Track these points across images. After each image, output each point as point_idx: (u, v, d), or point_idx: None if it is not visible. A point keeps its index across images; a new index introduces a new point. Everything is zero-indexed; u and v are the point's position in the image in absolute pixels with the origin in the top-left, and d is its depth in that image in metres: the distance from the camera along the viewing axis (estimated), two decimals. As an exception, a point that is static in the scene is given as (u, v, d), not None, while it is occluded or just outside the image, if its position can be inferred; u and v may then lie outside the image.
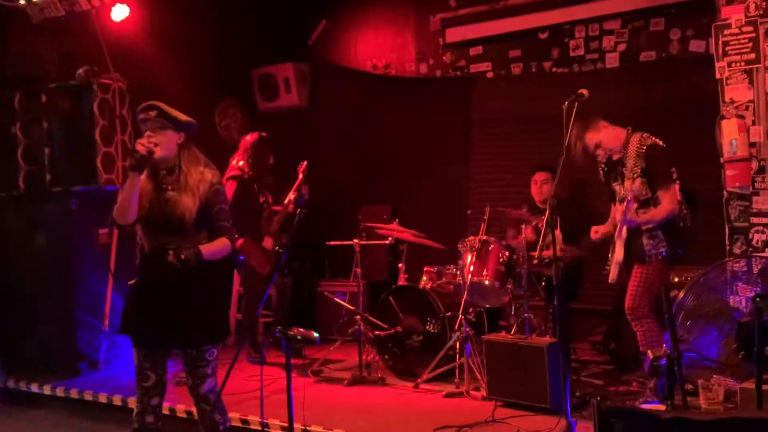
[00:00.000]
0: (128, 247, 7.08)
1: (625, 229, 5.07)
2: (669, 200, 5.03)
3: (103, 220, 6.95)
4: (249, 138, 6.89)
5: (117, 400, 6.04)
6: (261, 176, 6.86)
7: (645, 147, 5.09)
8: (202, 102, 7.71)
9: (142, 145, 3.85)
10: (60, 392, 6.41)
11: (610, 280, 5.21)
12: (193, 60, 7.82)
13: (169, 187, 3.99)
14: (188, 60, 7.76)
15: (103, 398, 6.13)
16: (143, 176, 3.95)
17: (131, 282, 4.14)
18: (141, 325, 4.04)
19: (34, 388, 6.56)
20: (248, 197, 6.74)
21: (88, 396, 6.23)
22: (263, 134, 6.91)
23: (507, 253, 5.97)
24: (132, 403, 5.90)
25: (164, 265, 3.92)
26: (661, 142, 5.15)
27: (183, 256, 3.89)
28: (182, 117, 4.04)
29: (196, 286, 4.01)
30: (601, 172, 5.45)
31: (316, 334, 3.88)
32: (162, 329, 3.99)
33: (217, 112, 8.81)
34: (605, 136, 5.24)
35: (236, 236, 4.17)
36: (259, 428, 5.24)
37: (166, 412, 5.66)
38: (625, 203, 5.01)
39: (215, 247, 4.03)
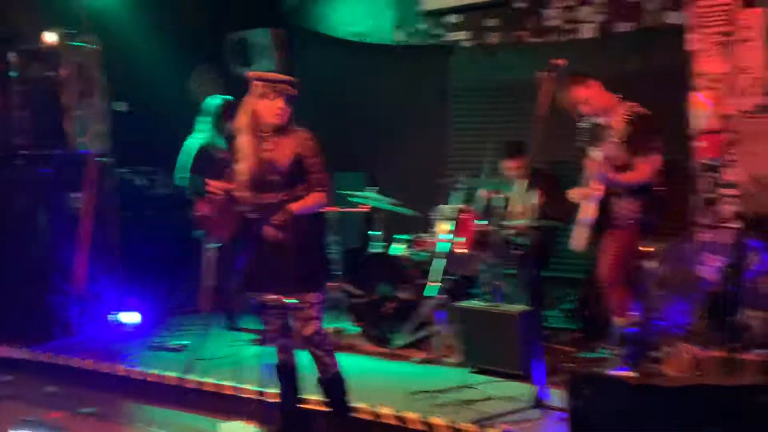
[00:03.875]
0: (103, 211, 7.08)
1: (599, 189, 5.06)
2: (645, 168, 4.95)
3: (76, 183, 6.92)
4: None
5: (89, 364, 6.04)
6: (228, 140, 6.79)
7: (632, 115, 4.99)
8: (177, 67, 7.65)
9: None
10: (33, 356, 6.40)
11: (574, 246, 5.16)
12: (169, 24, 7.74)
13: (268, 147, 4.31)
14: (163, 24, 7.67)
15: (76, 362, 6.12)
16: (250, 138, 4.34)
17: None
18: (250, 275, 4.38)
19: (6, 351, 6.54)
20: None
21: (60, 360, 6.23)
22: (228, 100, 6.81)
23: (481, 222, 5.99)
24: (105, 368, 5.97)
25: (264, 223, 4.24)
26: (649, 113, 5.05)
27: (277, 223, 4.19)
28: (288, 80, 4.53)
29: (293, 240, 4.19)
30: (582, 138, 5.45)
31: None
32: (268, 279, 4.26)
33: (193, 77, 8.71)
34: (594, 95, 5.14)
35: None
36: (233, 393, 5.27)
37: (155, 379, 5.70)
38: (600, 158, 4.97)
39: (306, 203, 4.27)
